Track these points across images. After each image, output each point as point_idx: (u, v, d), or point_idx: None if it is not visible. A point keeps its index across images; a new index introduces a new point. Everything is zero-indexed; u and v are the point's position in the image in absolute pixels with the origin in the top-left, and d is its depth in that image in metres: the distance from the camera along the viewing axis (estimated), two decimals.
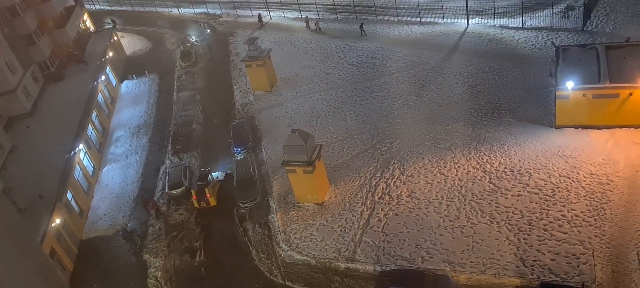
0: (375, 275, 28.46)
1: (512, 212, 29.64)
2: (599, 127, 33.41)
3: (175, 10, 72.93)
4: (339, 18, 58.96)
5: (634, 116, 32.40)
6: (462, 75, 43.43)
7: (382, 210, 32.16)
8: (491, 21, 50.08)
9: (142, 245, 35.26)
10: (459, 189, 32.06)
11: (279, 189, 36.14)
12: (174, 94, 53.17)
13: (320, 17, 58.97)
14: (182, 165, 40.50)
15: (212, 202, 36.79)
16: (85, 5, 67.13)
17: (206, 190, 36.55)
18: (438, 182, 32.98)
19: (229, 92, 50.63)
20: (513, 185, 31.33)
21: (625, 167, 30.40)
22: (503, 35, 47.65)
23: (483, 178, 32.41)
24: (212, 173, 38.51)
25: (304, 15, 60.99)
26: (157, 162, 43.40)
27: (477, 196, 31.28)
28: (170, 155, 43.53)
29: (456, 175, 33.12)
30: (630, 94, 31.78)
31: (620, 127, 32.90)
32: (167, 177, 39.49)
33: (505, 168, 32.67)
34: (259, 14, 62.04)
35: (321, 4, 61.75)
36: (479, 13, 51.86)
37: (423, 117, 39.56)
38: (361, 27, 53.18)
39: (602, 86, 32.35)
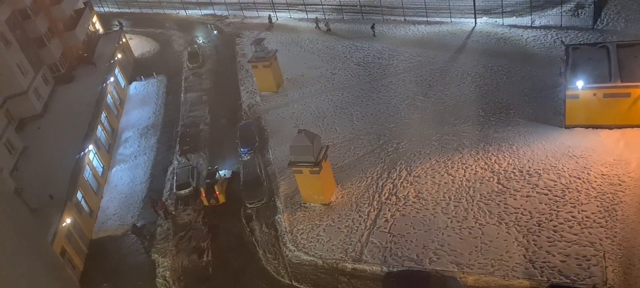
0: (382, 276, 28.32)
1: (521, 213, 29.35)
2: (610, 127, 32.97)
3: (182, 12, 73.25)
4: (345, 18, 58.82)
5: None
6: (470, 75, 43.13)
7: (389, 210, 32.01)
8: (499, 20, 49.70)
9: (151, 241, 35.39)
10: (467, 190, 31.81)
11: (286, 190, 36.11)
12: (182, 95, 53.38)
13: (328, 18, 58.79)
14: (190, 165, 40.65)
15: (221, 198, 37.03)
16: (95, 8, 67.59)
17: (215, 187, 36.76)
18: (445, 183, 32.76)
19: (235, 93, 50.73)
20: (522, 185, 31.02)
21: (637, 168, 29.96)
22: (511, 34, 47.26)
23: (491, 179, 32.13)
24: (220, 171, 38.71)
25: (310, 15, 60.98)
26: (165, 162, 43.59)
27: (485, 197, 31.02)
28: (178, 156, 43.69)
29: (464, 176, 32.88)
30: None
31: (632, 126, 32.41)
32: (175, 178, 39.65)
33: (514, 168, 32.36)
34: (269, 15, 62.05)
35: (327, 4, 61.70)
36: (487, 12, 51.49)
37: (430, 117, 39.34)
38: (373, 27, 52.86)
39: (613, 85, 31.93)
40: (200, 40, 64.61)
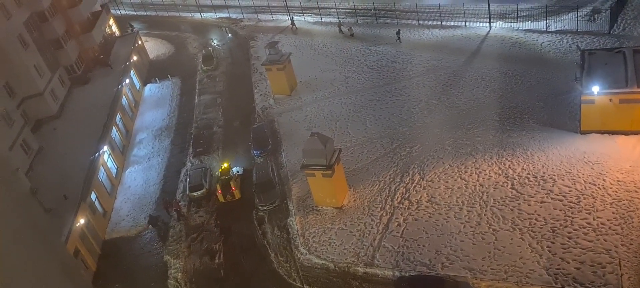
0: (394, 280, 28.21)
1: (535, 219, 29.06)
2: (626, 133, 32.54)
3: (197, 15, 73.88)
4: (359, 22, 58.79)
5: None
6: (484, 79, 42.86)
7: (401, 215, 31.89)
8: (514, 24, 49.36)
9: (164, 241, 35.65)
10: (481, 195, 31.58)
11: (298, 193, 36.17)
12: (196, 97, 53.79)
13: (345, 21, 58.70)
14: (203, 167, 40.89)
15: (237, 194, 37.44)
16: (111, 11, 68.47)
17: (231, 183, 37.08)
18: (459, 187, 32.57)
19: (249, 96, 51.00)
20: (536, 191, 30.72)
21: None
22: (526, 39, 46.90)
23: (505, 184, 31.86)
24: (233, 169, 39.20)
25: (324, 19, 61.15)
26: (178, 164, 43.90)
27: (499, 202, 30.77)
28: (191, 158, 43.97)
29: (477, 181, 32.65)
30: None
31: None
32: (188, 179, 39.90)
33: (528, 174, 32.06)
34: (292, 18, 61.93)
35: (342, 8, 61.81)
36: (502, 16, 51.15)
37: (444, 121, 39.15)
38: (398, 33, 52.24)
39: (630, 91, 31.53)
40: (215, 43, 65.08)
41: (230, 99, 52.07)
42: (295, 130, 43.14)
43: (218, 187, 37.59)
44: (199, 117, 49.97)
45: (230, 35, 65.99)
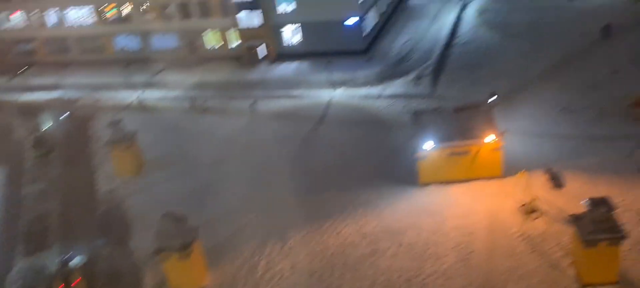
0: None
1: (391, 273, 30.53)
2: (457, 182, 36.46)
3: (26, 96, 66.84)
4: (209, 95, 58.49)
5: (485, 169, 36.10)
6: (332, 144, 45.18)
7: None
8: (354, 91, 53.46)
9: None
10: (339, 256, 32.40)
11: (153, 281, 33.37)
12: (25, 187, 47.63)
13: (194, 95, 57.95)
14: (38, 265, 35.87)
15: None
16: None
17: (72, 277, 33.32)
18: (318, 252, 33.05)
19: (91, 180, 46.75)
20: (389, 245, 32.46)
21: (483, 217, 33.27)
22: (366, 104, 51.02)
23: (361, 242, 33.19)
24: (73, 259, 35.34)
25: (170, 93, 59.84)
26: (5, 267, 37.76)
27: (357, 261, 31.79)
28: (22, 257, 38.23)
29: (335, 242, 33.55)
30: (478, 150, 35.56)
31: (475, 179, 36.21)
32: (21, 283, 34.49)
33: (380, 229, 33.86)
34: (140, 93, 58.31)
35: (190, 82, 61.24)
36: (342, 84, 55.11)
37: (298, 187, 40.00)
38: (252, 104, 53.07)
39: (455, 145, 35.84)
40: (48, 125, 59.14)
41: (68, 185, 47.05)
42: (146, 211, 40.15)
43: (59, 283, 33.16)
44: (30, 210, 44.08)
45: (65, 115, 60.59)
